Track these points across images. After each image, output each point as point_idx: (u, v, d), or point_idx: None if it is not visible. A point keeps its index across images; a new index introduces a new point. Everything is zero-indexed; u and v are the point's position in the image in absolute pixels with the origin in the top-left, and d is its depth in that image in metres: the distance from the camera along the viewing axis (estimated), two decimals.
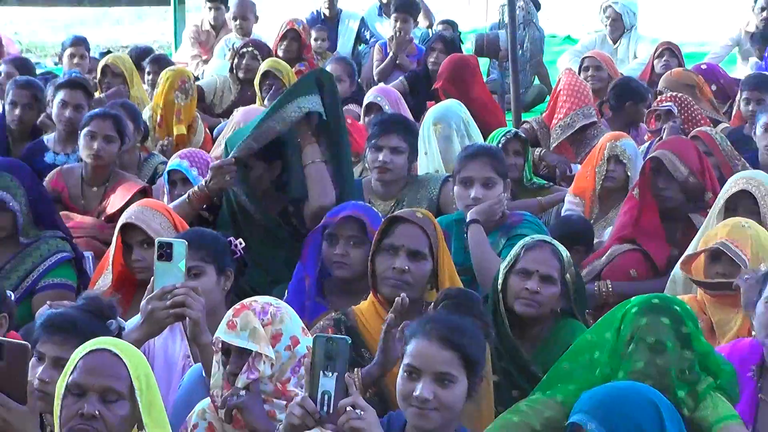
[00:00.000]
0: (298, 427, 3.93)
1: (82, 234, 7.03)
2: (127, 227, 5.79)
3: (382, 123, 7.24)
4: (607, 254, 6.69)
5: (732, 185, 6.32)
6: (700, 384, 4.63)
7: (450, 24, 13.73)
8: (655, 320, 4.60)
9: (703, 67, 10.84)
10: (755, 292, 4.93)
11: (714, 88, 10.28)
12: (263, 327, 4.47)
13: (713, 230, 5.86)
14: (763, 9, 12.36)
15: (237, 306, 4.54)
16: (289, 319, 4.57)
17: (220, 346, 4.47)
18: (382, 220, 5.59)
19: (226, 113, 10.09)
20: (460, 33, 13.58)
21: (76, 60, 11.45)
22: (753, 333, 4.98)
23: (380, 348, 4.85)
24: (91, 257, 6.76)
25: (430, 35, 12.79)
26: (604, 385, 4.26)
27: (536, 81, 12.93)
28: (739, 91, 9.63)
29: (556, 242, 5.54)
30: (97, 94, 9.57)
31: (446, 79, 9.85)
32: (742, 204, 6.19)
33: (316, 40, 12.56)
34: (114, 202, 7.25)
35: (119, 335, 4.37)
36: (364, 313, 5.27)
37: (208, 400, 4.61)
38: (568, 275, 5.40)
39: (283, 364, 4.50)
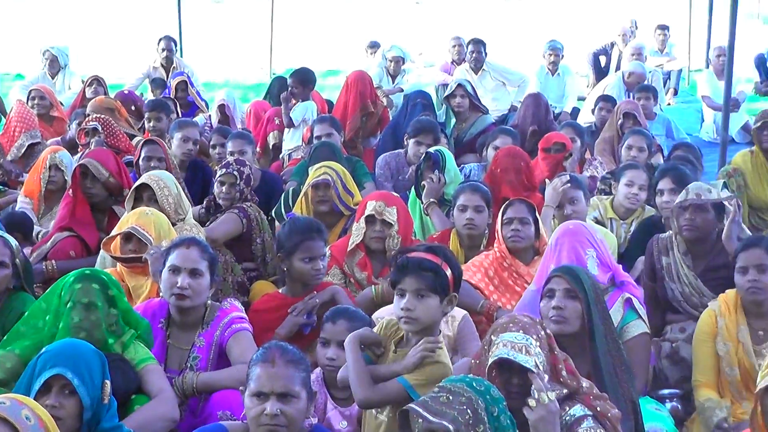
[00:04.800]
0: None
1: None
2: None
3: None
4: (50, 241, 6.50)
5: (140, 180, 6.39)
6: (125, 335, 4.68)
7: None
8: (88, 286, 4.60)
9: (126, 92, 10.94)
10: (160, 263, 5.04)
11: (133, 108, 10.37)
12: None
13: (125, 217, 5.85)
14: (164, 50, 12.43)
15: None
16: None
17: None
18: None
19: None
20: None
21: None
22: (161, 294, 5.05)
23: None
24: None
25: None
26: (57, 344, 4.12)
27: None
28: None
29: (5, 234, 5.39)
30: None
31: None
32: (147, 194, 6.20)
33: None
34: None
35: None
36: None
37: None
38: (17, 260, 5.25)
39: None
